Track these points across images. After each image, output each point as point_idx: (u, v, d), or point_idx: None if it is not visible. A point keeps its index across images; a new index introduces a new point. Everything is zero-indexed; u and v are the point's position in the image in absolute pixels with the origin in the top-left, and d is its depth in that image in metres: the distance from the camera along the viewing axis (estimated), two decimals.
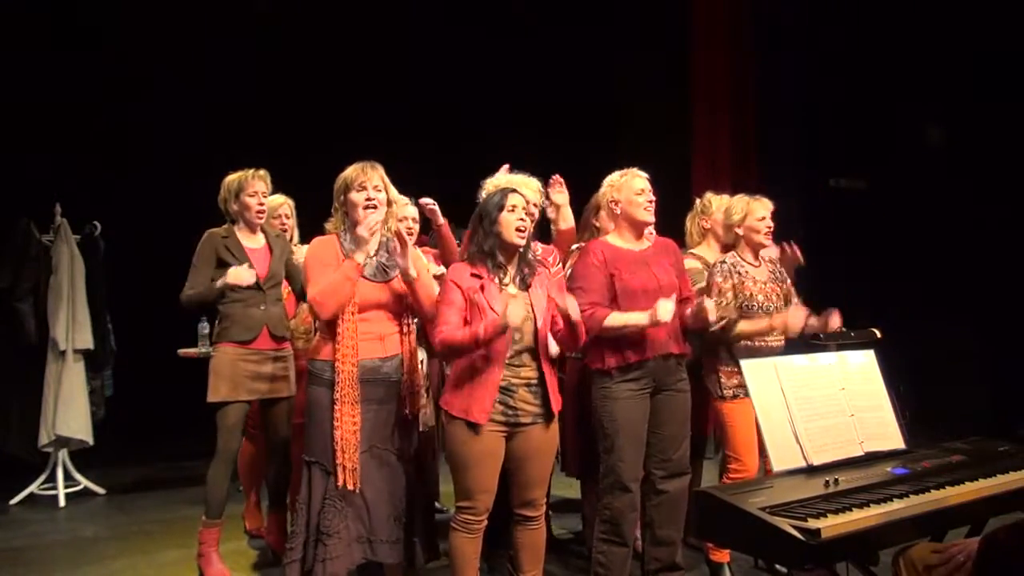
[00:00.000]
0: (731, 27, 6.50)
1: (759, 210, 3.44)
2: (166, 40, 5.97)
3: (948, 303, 5.87)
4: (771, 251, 3.54)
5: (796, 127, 6.53)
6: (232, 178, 3.51)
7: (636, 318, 2.92)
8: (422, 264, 3.01)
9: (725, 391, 3.33)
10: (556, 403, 2.82)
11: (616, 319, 2.95)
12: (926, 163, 6.19)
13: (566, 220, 3.54)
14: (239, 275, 3.37)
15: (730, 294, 3.34)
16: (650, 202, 3.09)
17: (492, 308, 2.69)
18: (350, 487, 2.78)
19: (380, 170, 2.97)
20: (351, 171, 2.94)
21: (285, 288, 3.73)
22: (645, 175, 3.15)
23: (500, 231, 2.76)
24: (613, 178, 3.17)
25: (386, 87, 6.67)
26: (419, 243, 3.80)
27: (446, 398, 2.79)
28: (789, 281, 3.51)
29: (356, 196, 2.90)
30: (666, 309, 2.85)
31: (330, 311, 2.80)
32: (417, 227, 3.70)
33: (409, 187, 3.63)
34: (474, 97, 6.73)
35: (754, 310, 3.34)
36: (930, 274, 5.98)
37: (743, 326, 3.26)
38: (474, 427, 2.69)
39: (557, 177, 3.49)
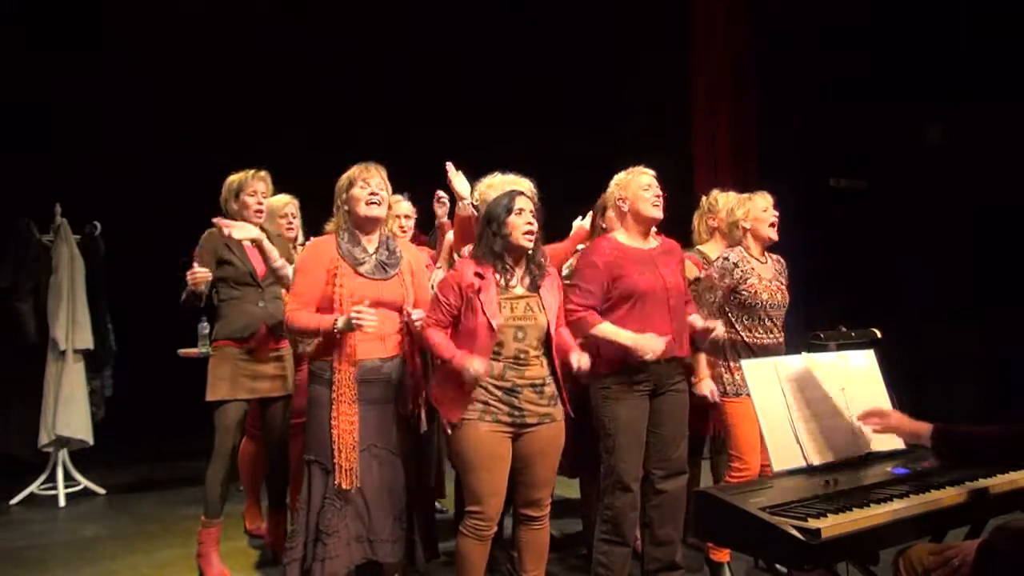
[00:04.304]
0: (731, 27, 6.49)
1: (761, 202, 3.45)
2: (167, 40, 5.96)
3: (948, 303, 5.86)
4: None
5: (796, 127, 6.52)
6: (233, 178, 3.53)
7: (625, 337, 2.91)
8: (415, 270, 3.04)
9: (728, 389, 3.33)
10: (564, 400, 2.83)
11: (605, 330, 2.95)
12: (926, 163, 6.18)
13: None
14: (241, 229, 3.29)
15: (719, 292, 3.34)
16: (658, 196, 3.09)
17: (485, 312, 2.69)
18: (347, 487, 2.78)
19: (383, 171, 3.00)
20: (355, 169, 2.96)
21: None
22: (651, 172, 3.15)
23: (508, 233, 2.76)
24: (619, 176, 3.17)
25: (386, 86, 6.67)
26: (418, 242, 3.81)
27: (432, 391, 2.84)
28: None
29: (359, 192, 2.91)
30: (653, 347, 2.85)
31: (293, 337, 2.81)
32: (411, 223, 3.68)
33: (409, 186, 3.64)
34: (474, 97, 6.73)
35: (757, 308, 3.34)
36: (930, 274, 5.98)
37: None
38: (487, 422, 2.69)
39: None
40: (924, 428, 2.22)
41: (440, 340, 2.75)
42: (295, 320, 2.87)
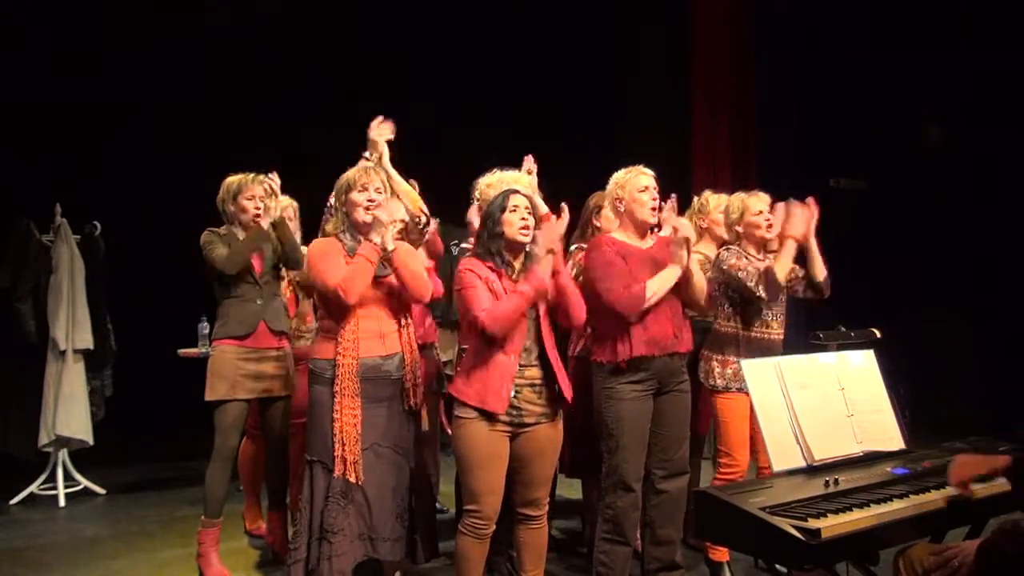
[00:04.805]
0: (731, 27, 6.50)
1: (756, 205, 3.43)
2: (166, 40, 5.96)
3: (948, 303, 5.87)
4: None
5: (796, 127, 6.52)
6: (232, 180, 3.52)
7: (670, 272, 2.94)
8: (403, 246, 3.01)
9: (718, 382, 3.32)
10: (567, 390, 2.81)
11: (653, 283, 2.93)
12: (926, 163, 6.19)
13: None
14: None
15: (751, 268, 3.28)
16: (655, 200, 3.07)
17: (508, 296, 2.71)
18: (352, 479, 2.79)
19: (382, 173, 3.02)
20: (354, 172, 2.98)
21: (286, 288, 3.74)
22: (651, 173, 3.12)
23: (504, 231, 2.78)
24: (618, 175, 3.15)
25: (385, 86, 6.66)
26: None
27: (458, 387, 2.76)
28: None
29: (358, 196, 2.93)
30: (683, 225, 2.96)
31: (357, 293, 2.80)
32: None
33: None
34: (473, 96, 6.73)
35: (756, 302, 3.35)
36: (930, 274, 5.98)
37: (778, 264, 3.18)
38: (487, 421, 2.68)
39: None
40: (1002, 461, 2.14)
41: (507, 301, 2.68)
42: (344, 280, 2.79)
